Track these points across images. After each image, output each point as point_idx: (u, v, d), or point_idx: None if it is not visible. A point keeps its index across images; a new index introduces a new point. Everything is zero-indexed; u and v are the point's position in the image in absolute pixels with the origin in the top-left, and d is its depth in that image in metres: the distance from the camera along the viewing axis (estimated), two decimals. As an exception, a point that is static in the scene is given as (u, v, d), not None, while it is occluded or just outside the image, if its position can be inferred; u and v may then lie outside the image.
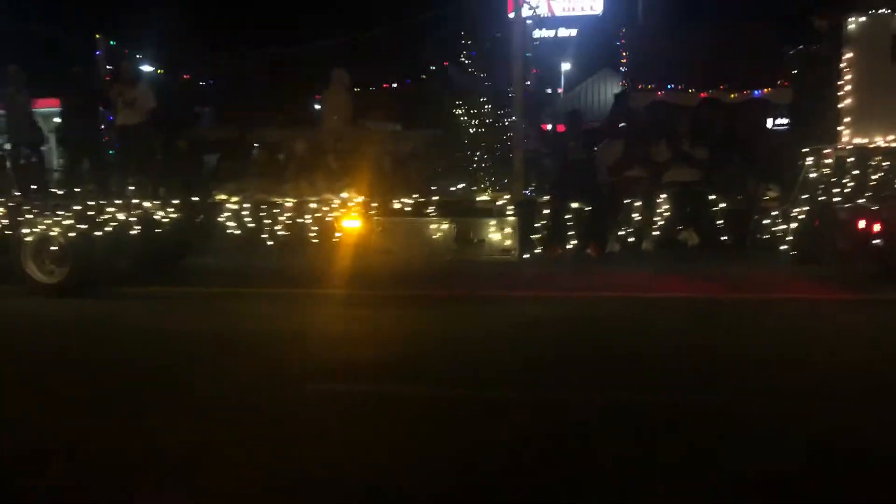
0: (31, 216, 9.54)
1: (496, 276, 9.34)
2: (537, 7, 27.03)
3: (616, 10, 26.51)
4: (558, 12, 27.50)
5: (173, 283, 9.87)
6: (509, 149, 9.32)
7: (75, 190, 10.03)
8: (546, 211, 8.98)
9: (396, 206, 9.07)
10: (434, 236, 9.08)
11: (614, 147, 9.29)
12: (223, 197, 9.42)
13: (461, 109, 10.27)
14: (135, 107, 10.00)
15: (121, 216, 9.37)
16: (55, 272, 9.59)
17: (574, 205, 8.93)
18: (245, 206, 9.20)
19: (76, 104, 10.13)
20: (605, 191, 9.13)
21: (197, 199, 9.30)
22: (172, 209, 9.28)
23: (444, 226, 9.09)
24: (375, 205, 9.07)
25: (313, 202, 9.12)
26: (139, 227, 9.37)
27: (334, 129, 9.81)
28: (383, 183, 9.29)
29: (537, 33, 27.19)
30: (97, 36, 12.16)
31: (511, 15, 26.13)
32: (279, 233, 9.17)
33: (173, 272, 10.33)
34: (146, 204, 9.33)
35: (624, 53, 13.17)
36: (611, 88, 32.59)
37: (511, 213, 8.93)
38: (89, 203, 9.43)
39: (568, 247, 9.02)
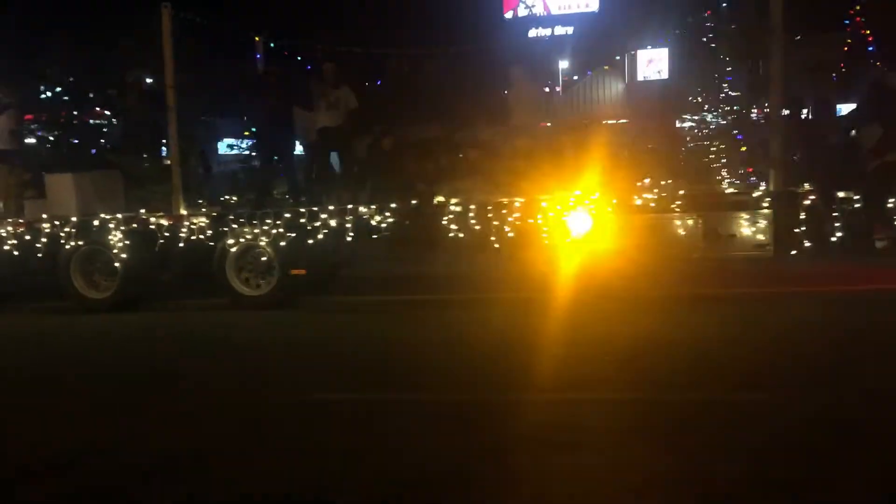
0: (235, 225, 9.05)
1: (756, 272, 8.56)
2: (533, 6, 26.85)
3: (612, 8, 25.82)
4: (554, 11, 27.04)
5: (395, 291, 9.35)
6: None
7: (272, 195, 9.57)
8: (807, 202, 8.17)
9: (637, 201, 8.35)
10: (680, 233, 8.33)
11: (873, 129, 8.47)
12: (441, 199, 8.79)
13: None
14: (338, 108, 9.48)
15: (333, 222, 8.81)
16: (261, 285, 9.09)
17: (840, 194, 8.13)
18: (470, 207, 8.54)
19: (271, 106, 9.59)
20: (870, 177, 8.31)
21: (418, 201, 8.67)
22: (391, 213, 8.67)
23: (691, 221, 8.34)
24: (614, 201, 8.35)
25: (543, 201, 8.43)
26: (353, 234, 8.80)
27: (567, 123, 9.12)
28: (619, 178, 8.58)
29: (533, 32, 26.91)
30: (256, 38, 11.76)
31: (508, 14, 25.73)
32: (508, 234, 8.50)
33: (392, 279, 9.73)
34: (362, 209, 8.73)
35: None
36: (610, 86, 31.62)
37: (767, 205, 8.15)
38: (300, 210, 8.89)
39: (833, 239, 8.21)
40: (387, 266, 9.95)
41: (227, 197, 10.39)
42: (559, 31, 27.59)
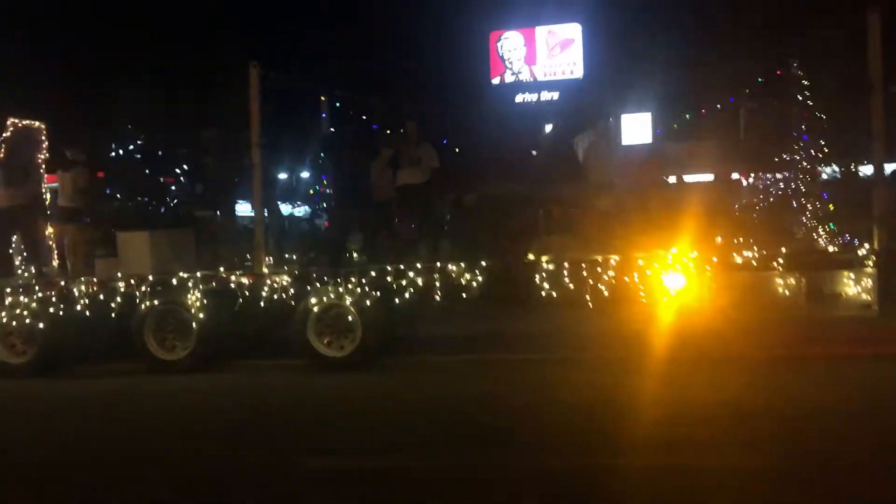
0: (318, 284, 8.84)
1: (859, 332, 8.32)
2: (519, 72, 27.61)
3: (596, 74, 26.67)
4: (540, 77, 27.74)
5: (485, 350, 9.12)
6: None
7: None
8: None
9: (738, 260, 8.17)
10: (781, 292, 8.13)
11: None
12: (532, 256, 8.61)
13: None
14: (419, 166, 9.39)
15: (421, 281, 8.61)
16: (344, 345, 8.82)
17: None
18: (563, 264, 8.36)
19: (352, 162, 9.50)
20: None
21: (509, 258, 8.49)
22: (481, 271, 8.47)
23: (793, 280, 8.15)
24: (714, 259, 8.17)
25: (640, 258, 8.26)
26: (440, 293, 8.59)
27: (647, 181, 9.02)
28: (715, 235, 8.43)
29: (520, 97, 27.44)
30: (322, 98, 11.80)
31: (495, 80, 27.08)
32: (602, 292, 8.29)
33: (480, 338, 9.48)
34: (451, 267, 8.54)
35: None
36: (599, 149, 31.70)
37: (871, 263, 7.97)
38: (387, 268, 8.70)
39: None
40: (474, 324, 9.69)
41: (298, 255, 10.16)
42: (545, 96, 28.30)
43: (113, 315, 9.21)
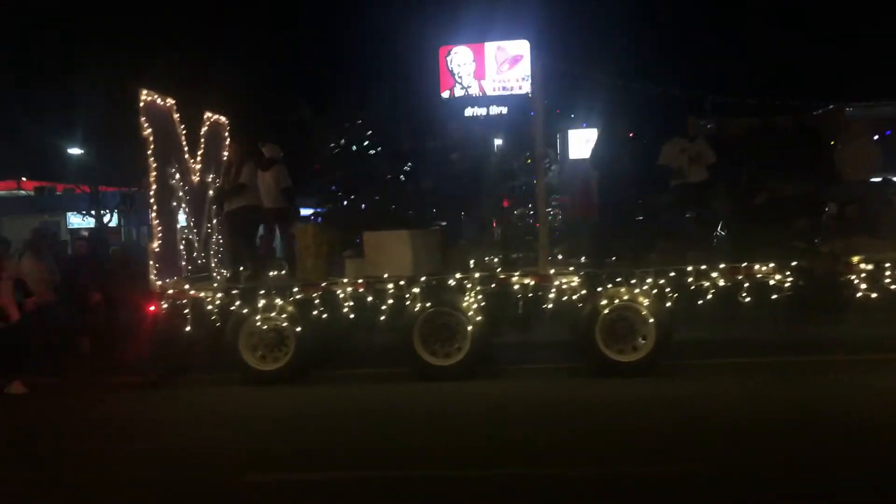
0: (609, 285, 8.41)
1: None
2: (469, 87, 27.84)
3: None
4: (489, 91, 28.15)
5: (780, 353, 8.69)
6: None
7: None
8: None
9: None
10: None
11: None
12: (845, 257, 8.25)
13: None
14: (699, 163, 9.02)
15: (722, 282, 8.21)
16: (638, 348, 8.37)
17: None
18: (881, 266, 8.02)
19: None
20: None
21: (818, 258, 8.13)
22: (793, 272, 8.10)
23: None
24: None
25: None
26: (746, 294, 8.20)
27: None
28: None
29: (469, 111, 27.76)
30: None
31: (445, 94, 27.60)
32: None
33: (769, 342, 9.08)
34: (760, 267, 8.16)
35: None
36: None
37: None
38: (688, 268, 8.29)
39: None
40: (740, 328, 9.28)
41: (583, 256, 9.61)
42: (494, 110, 28.75)
43: (379, 317, 8.71)
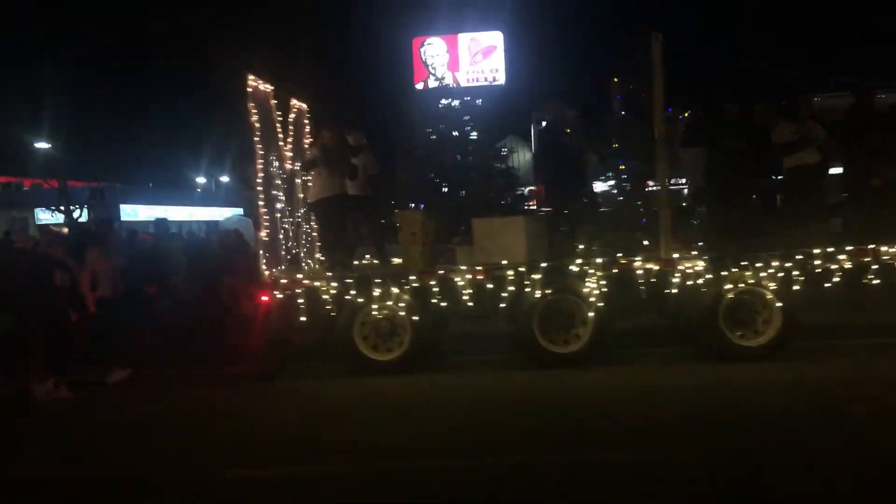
0: (735, 269, 8.37)
1: None
2: (443, 78, 27.76)
3: (518, 81, 28.54)
4: (463, 83, 28.21)
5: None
6: None
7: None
8: None
9: None
10: None
11: None
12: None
13: None
14: (811, 143, 8.98)
15: (849, 264, 8.19)
16: (760, 334, 8.36)
17: None
18: None
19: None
20: None
21: None
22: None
23: None
24: None
25: None
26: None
27: None
28: None
29: (444, 101, 28.69)
30: (615, 80, 11.30)
31: (419, 85, 27.79)
32: None
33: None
34: (886, 248, 8.14)
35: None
36: (520, 155, 32.91)
37: None
38: (814, 252, 8.26)
39: None
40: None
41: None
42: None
43: (497, 305, 8.63)
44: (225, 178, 52.99)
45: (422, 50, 28.73)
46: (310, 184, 9.83)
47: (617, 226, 9.57)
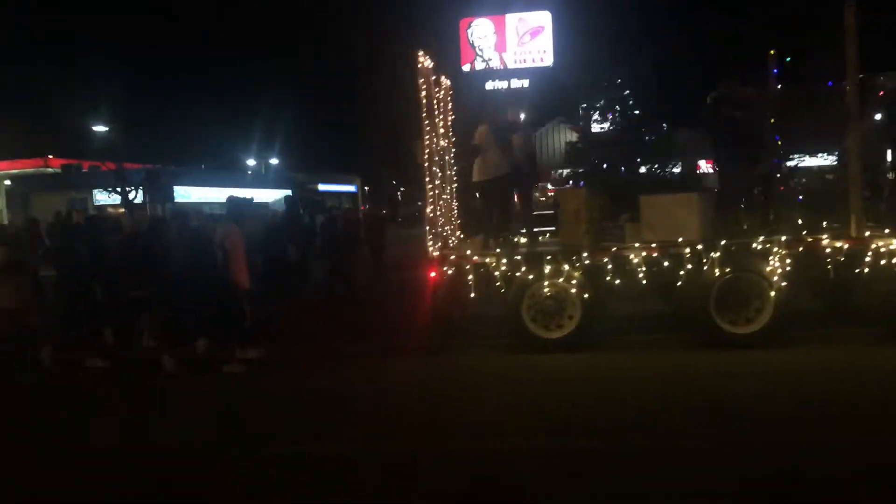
0: None
1: None
2: (490, 60, 27.03)
3: (566, 62, 26.71)
4: (510, 65, 27.72)
5: None
6: None
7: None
8: None
9: None
10: None
11: None
12: None
13: None
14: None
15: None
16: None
17: None
18: None
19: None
20: None
21: None
22: None
23: None
24: None
25: None
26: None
27: None
28: None
29: (490, 84, 27.54)
30: (771, 52, 10.90)
31: (465, 67, 26.72)
32: None
33: None
34: None
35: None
36: (563, 137, 31.42)
37: None
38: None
39: None
40: None
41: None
42: (515, 83, 28.35)
43: (674, 283, 8.44)
44: (274, 161, 54.27)
45: (469, 31, 28.29)
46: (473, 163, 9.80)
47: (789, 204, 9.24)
